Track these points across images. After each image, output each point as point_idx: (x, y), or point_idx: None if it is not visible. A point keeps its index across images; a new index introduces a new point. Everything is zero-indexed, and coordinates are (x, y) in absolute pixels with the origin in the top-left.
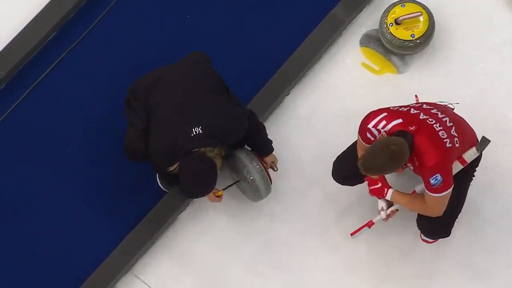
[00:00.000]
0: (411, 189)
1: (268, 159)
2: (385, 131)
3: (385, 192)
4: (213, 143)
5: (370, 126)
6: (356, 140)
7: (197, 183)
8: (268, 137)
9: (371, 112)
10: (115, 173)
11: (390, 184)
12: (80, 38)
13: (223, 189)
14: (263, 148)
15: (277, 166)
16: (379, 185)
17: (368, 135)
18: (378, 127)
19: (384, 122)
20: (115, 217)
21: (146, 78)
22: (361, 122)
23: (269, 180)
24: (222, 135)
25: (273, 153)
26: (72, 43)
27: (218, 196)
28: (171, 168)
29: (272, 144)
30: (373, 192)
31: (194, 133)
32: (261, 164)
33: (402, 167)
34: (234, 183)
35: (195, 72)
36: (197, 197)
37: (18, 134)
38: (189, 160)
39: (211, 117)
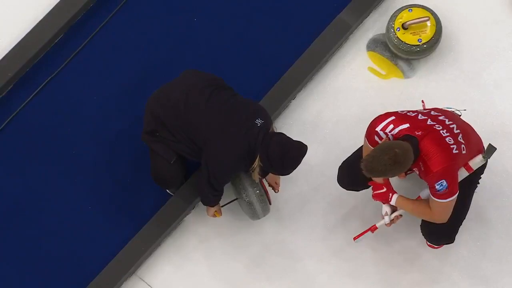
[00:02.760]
0: (415, 195)
1: (271, 179)
2: (392, 135)
3: (390, 197)
4: (274, 126)
5: (378, 129)
6: (362, 145)
7: (293, 146)
8: None
9: (379, 116)
10: (121, 176)
11: (394, 189)
12: (87, 39)
13: (222, 206)
14: None
15: (281, 184)
16: (384, 189)
17: (376, 138)
18: (386, 131)
19: (391, 126)
20: (121, 220)
21: (159, 105)
22: (369, 125)
23: (267, 203)
24: (270, 118)
25: None
26: (80, 45)
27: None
28: (255, 164)
29: None
30: (377, 196)
31: (259, 124)
32: (261, 187)
33: (406, 173)
34: (233, 200)
35: (209, 81)
36: (294, 167)
37: (26, 135)
38: (270, 140)
39: (256, 108)
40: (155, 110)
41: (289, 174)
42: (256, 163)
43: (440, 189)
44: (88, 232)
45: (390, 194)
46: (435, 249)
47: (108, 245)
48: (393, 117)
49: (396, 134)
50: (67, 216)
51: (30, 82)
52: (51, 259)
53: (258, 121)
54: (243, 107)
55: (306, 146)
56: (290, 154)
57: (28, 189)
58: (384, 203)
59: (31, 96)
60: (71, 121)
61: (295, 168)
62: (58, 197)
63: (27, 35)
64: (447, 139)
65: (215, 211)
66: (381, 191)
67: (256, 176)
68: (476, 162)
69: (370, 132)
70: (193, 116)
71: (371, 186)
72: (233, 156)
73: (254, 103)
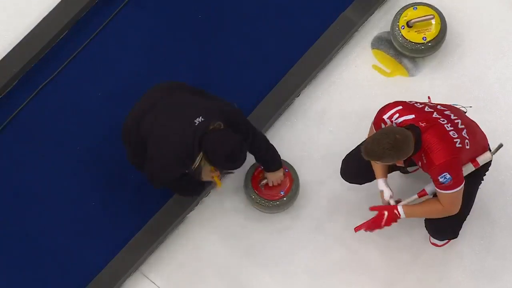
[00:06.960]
0: (416, 192)
1: (271, 176)
2: (395, 123)
3: (397, 213)
4: (218, 123)
5: (385, 117)
6: (365, 140)
7: (226, 145)
8: (277, 139)
9: (387, 104)
10: (125, 172)
11: (395, 187)
12: (91, 37)
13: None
14: (270, 164)
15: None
16: (386, 212)
17: (382, 126)
18: (392, 119)
19: (397, 115)
20: (124, 216)
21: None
22: (377, 112)
23: (272, 204)
24: (222, 117)
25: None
26: (83, 42)
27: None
28: (195, 164)
29: (282, 145)
30: (387, 222)
31: (198, 122)
32: (260, 199)
33: (409, 169)
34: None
35: (171, 87)
36: (235, 162)
37: (29, 132)
38: (208, 138)
39: (205, 105)
40: (133, 135)
41: (235, 168)
42: (199, 161)
43: (444, 181)
44: (91, 229)
45: (395, 210)
46: (440, 247)
47: (112, 241)
48: (400, 107)
49: (400, 123)
50: (70, 212)
51: (32, 80)
52: (55, 255)
53: (198, 120)
54: (188, 108)
55: (237, 140)
56: (221, 151)
57: (30, 188)
58: (396, 222)
59: (35, 92)
60: (75, 118)
61: (236, 162)
62: (61, 194)
63: (30, 32)
64: (451, 133)
65: (213, 176)
66: (385, 216)
67: (207, 173)
68: (483, 158)
69: (377, 120)
70: (145, 128)
71: (374, 183)
72: (171, 161)
73: (207, 99)
